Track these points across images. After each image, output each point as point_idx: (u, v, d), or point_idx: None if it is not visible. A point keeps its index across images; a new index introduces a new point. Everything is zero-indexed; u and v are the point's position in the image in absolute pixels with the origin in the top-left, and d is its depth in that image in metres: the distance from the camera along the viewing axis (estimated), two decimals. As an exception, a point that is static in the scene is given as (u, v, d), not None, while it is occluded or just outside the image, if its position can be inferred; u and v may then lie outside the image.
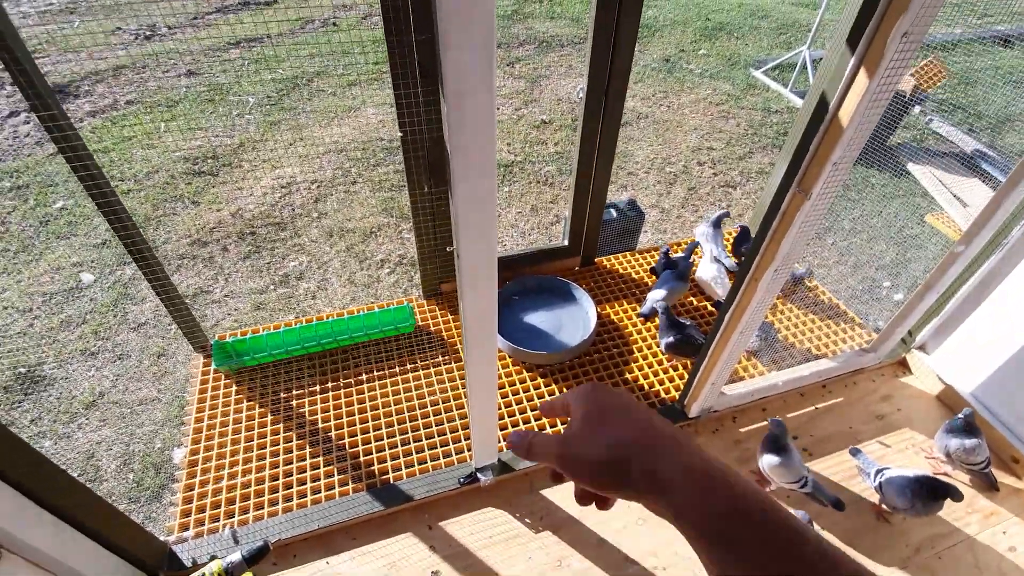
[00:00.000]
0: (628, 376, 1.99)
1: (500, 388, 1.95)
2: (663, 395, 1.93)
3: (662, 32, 5.62)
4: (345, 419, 1.85)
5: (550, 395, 1.93)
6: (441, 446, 1.79)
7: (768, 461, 1.54)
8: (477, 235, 0.96)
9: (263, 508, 1.63)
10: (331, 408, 1.88)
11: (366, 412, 1.87)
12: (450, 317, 2.21)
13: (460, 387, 1.95)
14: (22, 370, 2.39)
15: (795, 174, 1.20)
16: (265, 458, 1.74)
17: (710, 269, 2.18)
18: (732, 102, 4.45)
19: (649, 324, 2.17)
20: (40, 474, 1.08)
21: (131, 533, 1.36)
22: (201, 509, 1.62)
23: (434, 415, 1.87)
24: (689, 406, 1.79)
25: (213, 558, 1.51)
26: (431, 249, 2.07)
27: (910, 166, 3.84)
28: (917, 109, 4.39)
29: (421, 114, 1.63)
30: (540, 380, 1.98)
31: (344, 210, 3.40)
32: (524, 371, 2.01)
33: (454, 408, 1.89)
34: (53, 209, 3.33)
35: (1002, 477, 1.72)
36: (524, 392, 1.94)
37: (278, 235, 3.20)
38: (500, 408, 1.87)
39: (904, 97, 3.76)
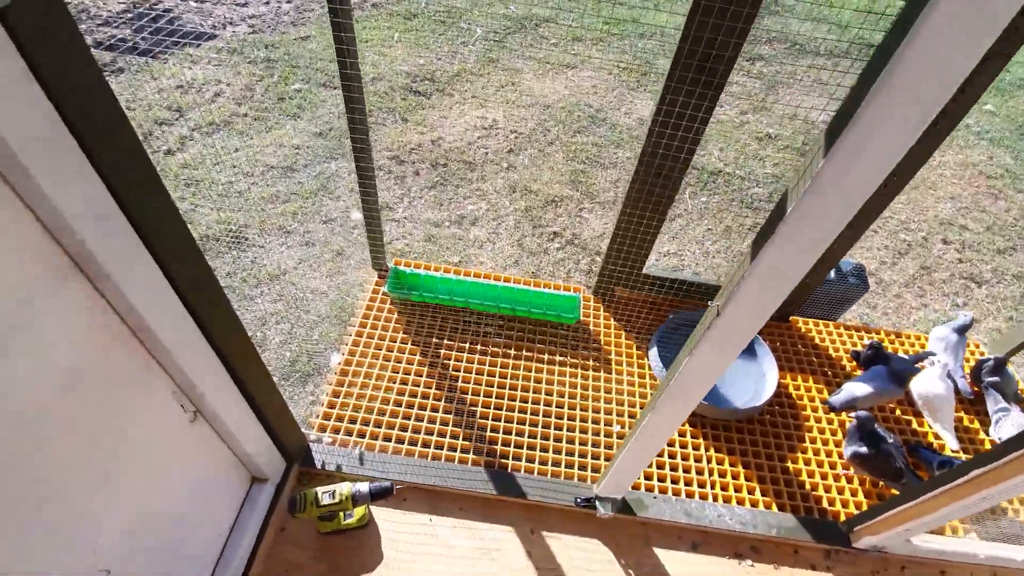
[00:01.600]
0: (789, 466, 1.74)
1: (643, 419, 1.81)
2: (825, 504, 1.65)
3: (943, 69, 4.68)
4: (484, 387, 1.84)
5: (695, 450, 1.75)
6: (566, 454, 1.71)
7: None
8: (760, 306, 0.80)
9: (390, 441, 1.68)
10: (474, 372, 1.87)
11: (504, 389, 1.84)
12: (613, 324, 2.08)
13: (603, 401, 1.84)
14: (233, 227, 2.70)
15: None
16: (404, 395, 1.79)
17: (938, 385, 1.79)
18: (1009, 179, 3.62)
19: (831, 416, 1.87)
20: (245, 354, 1.16)
21: (287, 424, 1.46)
22: (339, 419, 1.72)
23: (569, 419, 1.79)
24: (858, 536, 1.51)
25: (339, 468, 1.60)
26: (622, 250, 1.93)
27: None
28: None
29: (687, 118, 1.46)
30: (691, 429, 1.80)
31: (533, 169, 3.35)
32: (674, 411, 1.83)
33: (590, 420, 1.79)
34: (290, 89, 3.67)
35: None
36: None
37: (467, 174, 3.25)
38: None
39: None
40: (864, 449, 1.59)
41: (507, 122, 3.64)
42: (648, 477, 1.67)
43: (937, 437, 1.81)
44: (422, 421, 1.73)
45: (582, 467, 1.69)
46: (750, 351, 1.96)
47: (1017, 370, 2.00)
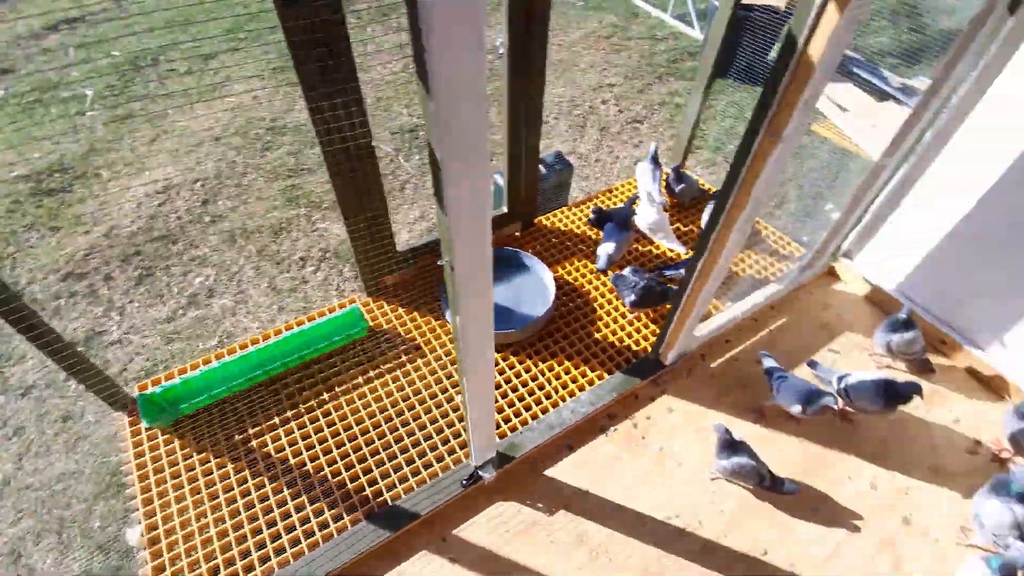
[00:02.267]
0: (597, 336, 1.99)
1: (475, 375, 1.87)
2: (634, 348, 1.95)
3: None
4: (319, 446, 1.70)
5: (526, 372, 1.89)
6: (431, 450, 1.70)
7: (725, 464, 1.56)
8: (475, 243, 0.85)
9: (253, 569, 1.47)
10: (298, 439, 1.71)
11: (339, 434, 1.73)
12: (401, 311, 2.06)
13: (433, 383, 1.85)
14: None
15: (763, 118, 1.18)
16: (240, 513, 1.55)
17: (650, 213, 2.19)
18: (620, 33, 4.43)
19: (604, 279, 2.17)
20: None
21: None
22: (181, 588, 1.43)
23: (414, 419, 1.77)
24: (665, 355, 1.83)
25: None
26: (368, 244, 1.88)
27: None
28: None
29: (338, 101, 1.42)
30: (513, 358, 1.92)
31: (241, 208, 3.02)
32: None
33: (433, 408, 1.79)
34: None
35: (934, 359, 1.95)
36: (501, 374, 1.88)
37: (170, 250, 2.79)
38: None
39: (780, 13, 3.92)
40: (633, 295, 1.89)
41: (183, 175, 3.18)
42: (506, 420, 1.76)
43: (672, 250, 2.25)
44: (276, 524, 1.54)
45: (451, 451, 1.70)
46: (521, 267, 2.13)
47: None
